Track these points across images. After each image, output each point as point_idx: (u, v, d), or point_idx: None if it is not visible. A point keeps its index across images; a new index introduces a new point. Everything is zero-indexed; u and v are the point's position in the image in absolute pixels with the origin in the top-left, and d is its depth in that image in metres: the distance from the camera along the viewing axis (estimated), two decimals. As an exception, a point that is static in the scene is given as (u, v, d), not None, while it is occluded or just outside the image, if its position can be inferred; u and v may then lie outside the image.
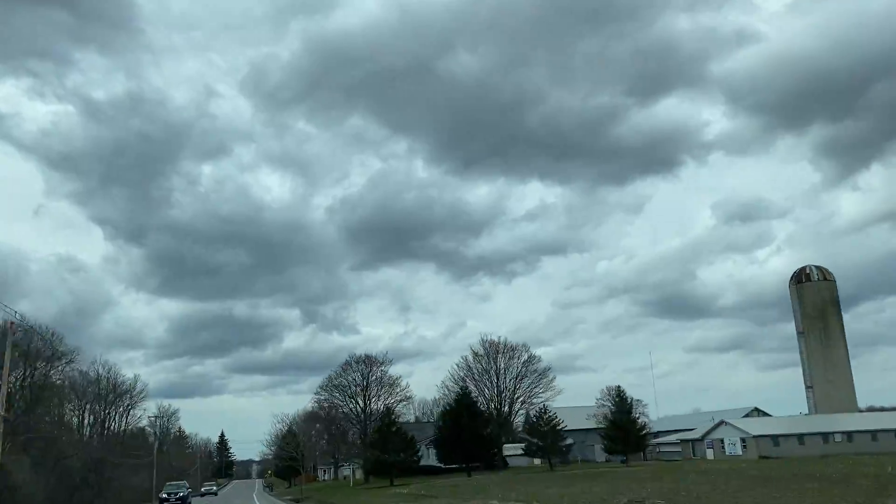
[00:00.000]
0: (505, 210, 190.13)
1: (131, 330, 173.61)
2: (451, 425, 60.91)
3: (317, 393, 75.62)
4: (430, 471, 68.17)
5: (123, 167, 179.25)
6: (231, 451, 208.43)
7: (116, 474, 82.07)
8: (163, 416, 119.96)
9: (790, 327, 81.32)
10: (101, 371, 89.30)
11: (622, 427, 63.36)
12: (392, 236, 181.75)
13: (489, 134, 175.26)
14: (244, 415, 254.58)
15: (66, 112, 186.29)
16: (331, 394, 74.92)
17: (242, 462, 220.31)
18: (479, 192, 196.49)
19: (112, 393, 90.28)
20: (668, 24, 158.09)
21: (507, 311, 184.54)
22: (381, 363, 74.23)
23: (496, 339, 76.52)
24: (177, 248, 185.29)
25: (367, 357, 74.61)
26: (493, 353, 76.46)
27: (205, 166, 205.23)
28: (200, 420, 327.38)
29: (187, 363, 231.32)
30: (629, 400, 65.45)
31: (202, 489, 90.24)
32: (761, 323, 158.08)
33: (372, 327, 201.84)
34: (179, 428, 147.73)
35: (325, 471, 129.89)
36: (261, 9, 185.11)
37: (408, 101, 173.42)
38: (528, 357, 75.97)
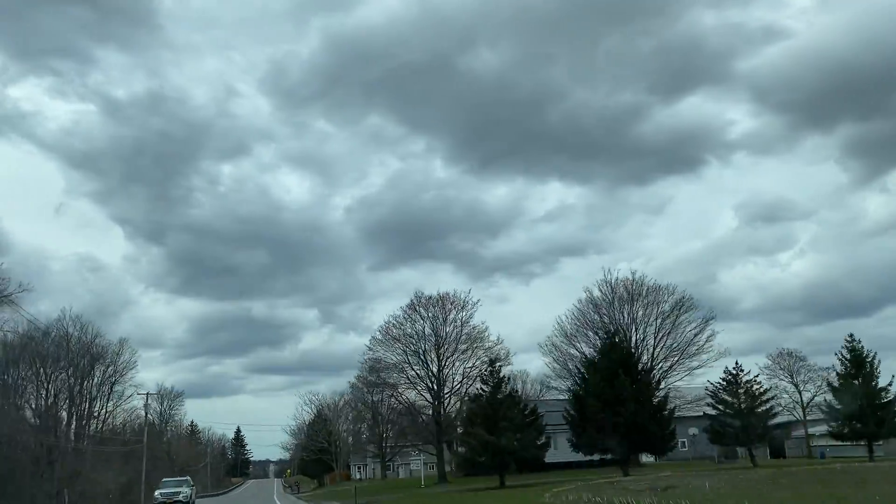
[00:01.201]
0: (524, 210, 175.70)
1: (151, 330, 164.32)
2: (600, 392, 36.87)
3: (370, 348, 51.81)
4: (542, 465, 44.12)
5: (143, 166, 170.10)
6: (247, 448, 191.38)
7: (86, 467, 59.56)
8: (161, 395, 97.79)
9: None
10: (71, 329, 67.06)
11: (869, 397, 38.99)
12: (409, 237, 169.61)
13: (509, 132, 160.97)
14: (261, 415, 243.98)
15: (88, 111, 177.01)
16: (389, 349, 51.22)
17: (259, 462, 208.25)
18: (497, 193, 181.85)
19: (85, 358, 67.66)
20: (693, 20, 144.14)
21: (525, 312, 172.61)
22: (463, 306, 50.43)
23: (629, 277, 52.44)
24: (196, 248, 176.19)
25: (441, 297, 50.84)
26: (623, 298, 52.34)
27: (224, 166, 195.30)
28: (217, 420, 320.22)
29: (206, 363, 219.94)
30: (870, 356, 40.89)
31: (157, 493, 47.66)
32: (783, 327, 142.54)
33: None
34: (192, 422, 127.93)
35: (359, 468, 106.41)
36: (281, 5, 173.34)
37: (426, 98, 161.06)
38: (679, 301, 51.69)
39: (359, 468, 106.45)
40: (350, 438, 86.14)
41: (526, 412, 38.60)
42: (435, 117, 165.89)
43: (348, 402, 78.48)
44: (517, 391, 38.70)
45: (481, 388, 39.12)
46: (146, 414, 72.07)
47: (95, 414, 73.81)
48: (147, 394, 73.21)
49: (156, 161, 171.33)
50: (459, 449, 39.23)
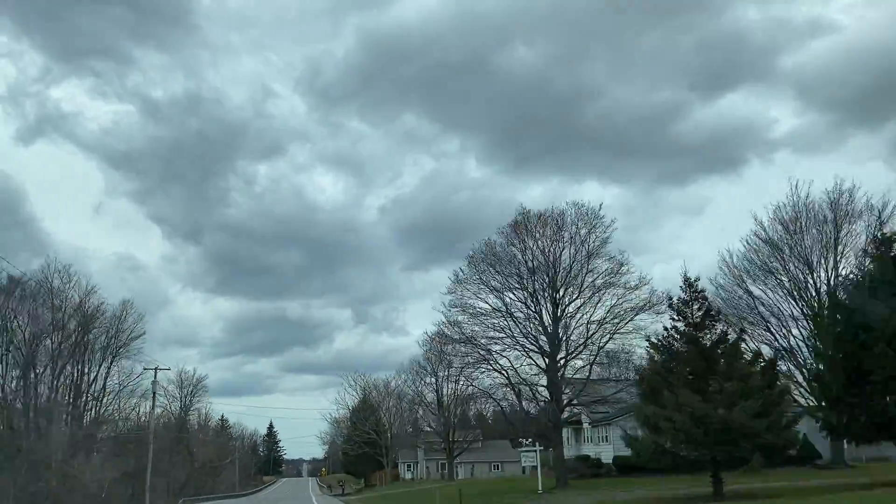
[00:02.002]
0: None
1: (187, 328, 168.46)
2: (891, 338, 20.42)
3: (451, 289, 35.66)
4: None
5: (181, 166, 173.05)
6: (280, 445, 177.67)
7: (60, 459, 44.67)
8: (181, 379, 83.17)
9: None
10: (57, 283, 52.28)
11: None
12: (442, 237, 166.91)
13: (544, 131, 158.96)
14: (295, 414, 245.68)
15: (127, 111, 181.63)
16: (481, 290, 35.20)
17: (292, 461, 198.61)
18: (531, 193, 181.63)
19: (75, 318, 52.91)
20: (736, 15, 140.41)
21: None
22: (591, 228, 34.19)
23: (834, 189, 35.41)
24: (232, 248, 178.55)
25: (558, 214, 34.70)
26: (821, 220, 35.46)
27: (260, 166, 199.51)
28: (250, 419, 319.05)
29: (241, 362, 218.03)
30: None
31: None
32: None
33: (422, 329, 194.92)
34: (222, 416, 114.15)
35: (409, 466, 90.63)
36: (317, 4, 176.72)
37: (461, 97, 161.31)
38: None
39: (408, 466, 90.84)
40: (409, 429, 70.54)
41: (762, 364, 22.16)
42: (469, 116, 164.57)
43: (406, 380, 62.97)
44: (739, 331, 22.30)
45: (672, 327, 22.73)
46: (154, 393, 56.96)
47: (95, 394, 59.36)
48: (156, 369, 57.89)
49: (193, 161, 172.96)
50: (638, 432, 23.12)
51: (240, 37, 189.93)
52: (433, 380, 54.84)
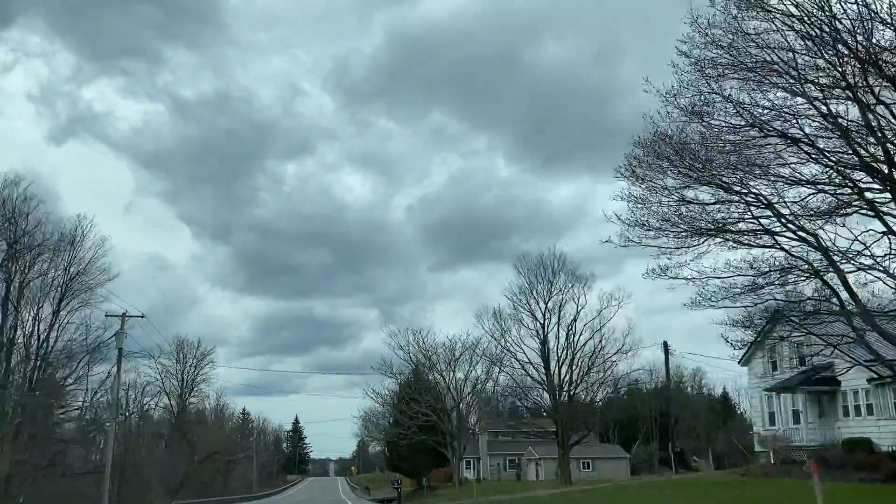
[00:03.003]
0: (589, 211, 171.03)
1: (216, 328, 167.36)
2: None
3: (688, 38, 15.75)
4: None
5: (210, 166, 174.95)
6: (307, 442, 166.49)
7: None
8: (178, 346, 64.57)
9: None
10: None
11: None
12: (470, 237, 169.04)
13: (575, 128, 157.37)
14: (322, 414, 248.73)
15: (157, 111, 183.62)
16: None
17: (319, 461, 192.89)
18: (561, 192, 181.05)
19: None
20: None
21: (588, 315, 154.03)
22: None
23: None
24: (261, 247, 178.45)
25: None
26: None
27: (289, 165, 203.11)
28: (276, 415, 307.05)
29: (268, 361, 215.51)
30: None
31: None
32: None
33: (449, 329, 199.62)
34: (244, 409, 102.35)
35: (469, 463, 71.14)
36: (345, 1, 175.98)
37: (489, 94, 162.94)
38: None
39: (468, 463, 71.29)
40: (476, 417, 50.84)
41: None
42: (498, 113, 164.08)
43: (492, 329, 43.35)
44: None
45: None
46: (119, 350, 37.86)
47: (40, 354, 40.46)
48: (123, 315, 38.82)
49: (222, 161, 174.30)
50: None
51: (268, 35, 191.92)
52: (536, 323, 34.91)
